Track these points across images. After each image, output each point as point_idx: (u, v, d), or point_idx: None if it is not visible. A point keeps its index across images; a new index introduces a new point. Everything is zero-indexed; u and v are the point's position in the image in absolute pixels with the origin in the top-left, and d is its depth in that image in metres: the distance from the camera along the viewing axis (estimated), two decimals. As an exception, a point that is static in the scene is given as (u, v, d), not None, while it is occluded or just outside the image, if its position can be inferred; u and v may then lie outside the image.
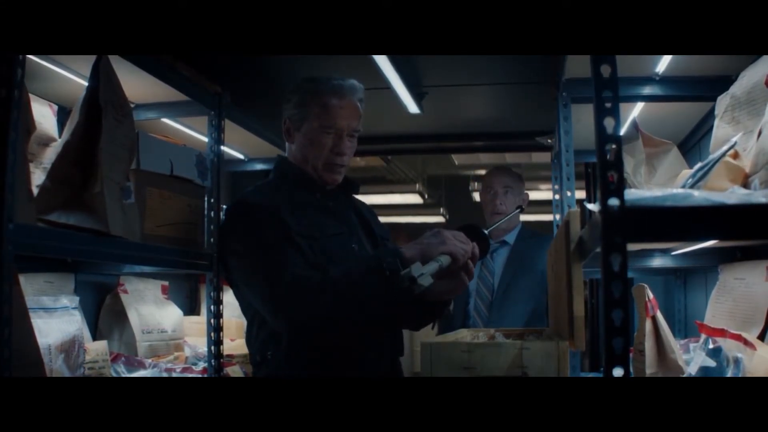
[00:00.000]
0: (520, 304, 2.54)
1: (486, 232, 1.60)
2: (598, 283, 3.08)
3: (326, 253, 1.56)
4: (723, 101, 1.51)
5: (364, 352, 1.57)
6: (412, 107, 2.65)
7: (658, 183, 1.84)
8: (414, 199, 6.80)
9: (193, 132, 2.43)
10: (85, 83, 1.51)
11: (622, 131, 1.96)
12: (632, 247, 1.55)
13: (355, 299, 1.43)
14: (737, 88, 1.46)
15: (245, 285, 1.60)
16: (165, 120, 2.25)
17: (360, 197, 1.86)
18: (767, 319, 1.40)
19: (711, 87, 1.69)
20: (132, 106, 1.81)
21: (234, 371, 2.23)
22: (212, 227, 2.06)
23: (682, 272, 2.43)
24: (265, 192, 1.67)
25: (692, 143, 2.30)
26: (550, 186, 2.68)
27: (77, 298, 1.83)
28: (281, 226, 1.53)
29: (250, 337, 1.64)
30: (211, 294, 2.08)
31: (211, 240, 2.06)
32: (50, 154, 1.65)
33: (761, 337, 1.38)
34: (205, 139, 2.15)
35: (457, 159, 5.55)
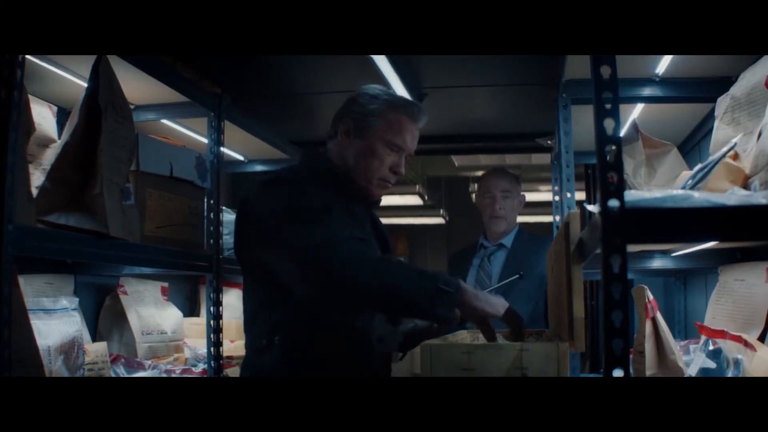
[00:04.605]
0: (518, 307, 2.52)
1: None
2: (597, 285, 3.07)
3: None
4: (723, 102, 1.51)
5: (369, 348, 1.56)
6: (412, 108, 2.65)
7: (658, 184, 1.84)
8: (414, 200, 6.80)
9: (193, 133, 2.43)
10: (85, 84, 1.51)
11: (622, 132, 1.96)
12: (632, 248, 1.55)
13: (399, 293, 1.37)
14: (737, 90, 1.46)
15: (284, 245, 1.44)
16: (165, 121, 2.25)
17: None
18: (767, 320, 1.40)
19: (711, 88, 1.69)
20: (132, 107, 1.81)
21: (234, 372, 2.23)
22: (212, 228, 2.06)
23: (682, 274, 2.43)
24: (299, 174, 1.62)
25: (692, 144, 2.30)
26: (549, 187, 2.68)
27: (77, 300, 1.82)
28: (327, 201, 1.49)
29: (256, 321, 1.57)
30: (211, 295, 2.08)
31: (211, 241, 2.06)
32: (50, 156, 1.65)
33: (761, 339, 1.38)
34: (205, 141, 2.16)
35: (457, 160, 5.55)
